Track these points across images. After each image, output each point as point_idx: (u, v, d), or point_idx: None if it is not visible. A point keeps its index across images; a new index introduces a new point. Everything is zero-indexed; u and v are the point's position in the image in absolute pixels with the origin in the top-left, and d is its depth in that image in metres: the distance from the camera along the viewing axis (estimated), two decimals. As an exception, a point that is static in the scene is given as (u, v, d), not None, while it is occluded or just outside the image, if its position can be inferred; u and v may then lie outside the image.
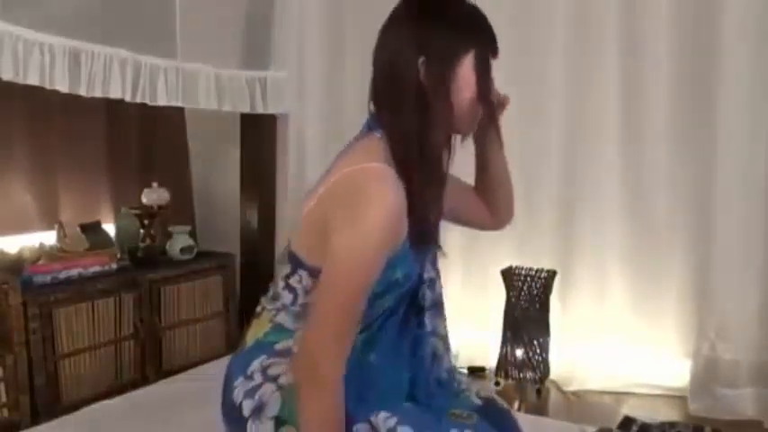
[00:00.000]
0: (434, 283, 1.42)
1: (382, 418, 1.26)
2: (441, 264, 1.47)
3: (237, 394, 1.32)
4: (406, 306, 1.37)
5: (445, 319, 1.46)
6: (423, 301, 1.39)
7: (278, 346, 1.35)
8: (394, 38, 1.27)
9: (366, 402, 1.29)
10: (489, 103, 1.29)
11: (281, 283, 1.38)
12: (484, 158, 1.49)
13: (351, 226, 1.17)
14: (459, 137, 1.33)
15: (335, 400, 1.19)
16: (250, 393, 1.30)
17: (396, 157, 1.23)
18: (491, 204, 1.55)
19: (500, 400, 1.50)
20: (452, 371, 1.48)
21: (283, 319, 1.37)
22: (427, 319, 1.40)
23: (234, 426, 1.33)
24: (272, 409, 1.27)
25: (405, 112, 1.24)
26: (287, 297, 1.36)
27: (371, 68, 1.33)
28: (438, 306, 1.43)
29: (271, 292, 1.42)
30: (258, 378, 1.31)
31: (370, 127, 1.31)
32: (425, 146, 1.24)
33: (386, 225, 1.16)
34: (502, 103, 1.43)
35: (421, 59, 1.22)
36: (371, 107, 1.32)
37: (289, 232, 1.39)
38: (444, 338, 1.45)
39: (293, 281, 1.35)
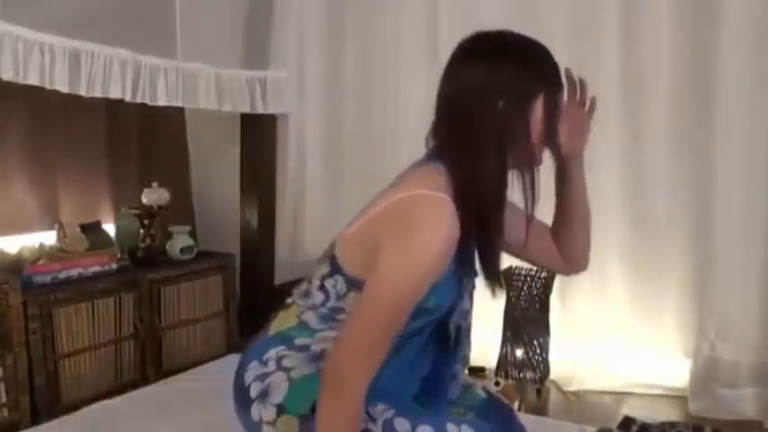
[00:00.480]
0: (467, 314, 1.43)
1: (380, 410, 1.30)
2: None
3: (249, 376, 1.35)
4: (432, 331, 1.38)
5: (470, 344, 1.48)
6: (453, 331, 1.39)
7: (297, 342, 1.37)
8: (470, 76, 1.26)
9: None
10: (557, 145, 1.32)
11: (316, 282, 1.38)
12: (565, 196, 1.49)
13: (402, 248, 1.18)
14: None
15: (354, 413, 1.22)
16: (261, 378, 1.34)
17: (463, 192, 1.24)
18: (564, 250, 1.54)
19: (503, 398, 1.53)
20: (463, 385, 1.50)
21: (310, 317, 1.38)
22: (458, 350, 1.42)
23: (241, 406, 1.36)
24: (278, 396, 1.30)
25: (481, 152, 1.25)
26: (318, 297, 1.37)
27: (436, 101, 1.33)
28: (466, 337, 1.45)
29: (304, 288, 1.43)
30: (272, 366, 1.34)
31: (429, 158, 1.32)
32: (499, 186, 1.27)
33: (436, 254, 1.18)
34: (591, 107, 1.45)
35: (501, 103, 1.23)
36: (431, 140, 1.33)
37: (337, 234, 1.38)
38: (466, 362, 1.48)
39: (328, 283, 1.35)
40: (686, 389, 2.91)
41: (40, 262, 2.62)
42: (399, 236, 1.19)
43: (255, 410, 1.32)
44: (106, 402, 2.11)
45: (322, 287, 1.37)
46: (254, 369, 1.36)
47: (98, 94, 2.57)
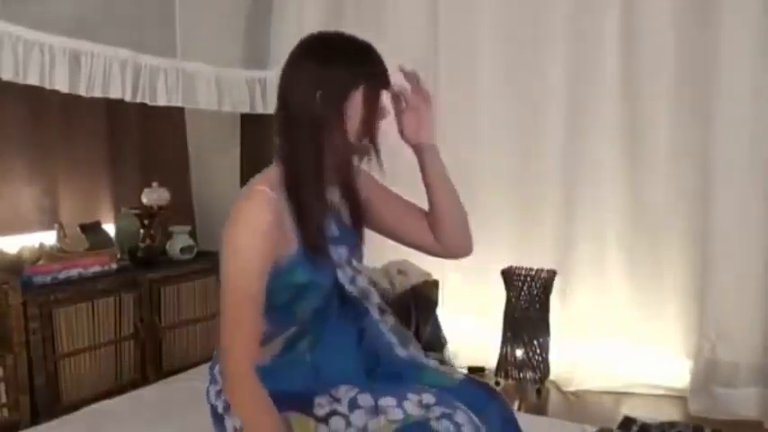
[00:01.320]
0: (355, 279, 1.50)
1: (343, 390, 1.40)
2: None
3: (211, 396, 1.51)
4: (340, 305, 1.49)
5: (377, 306, 1.55)
6: (355, 297, 1.50)
7: None
8: (293, 76, 1.40)
9: (324, 381, 1.43)
10: (373, 134, 1.40)
11: None
12: (425, 184, 1.55)
13: (225, 238, 1.34)
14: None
15: (251, 389, 1.32)
16: (219, 394, 1.47)
17: (285, 181, 1.38)
18: (436, 235, 1.57)
19: (485, 381, 1.57)
20: (410, 343, 1.58)
21: None
22: (371, 309, 1.53)
23: (216, 421, 1.50)
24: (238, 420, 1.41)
25: (297, 140, 1.38)
26: None
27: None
28: (367, 296, 1.53)
29: None
30: (222, 381, 1.43)
31: (275, 158, 1.45)
32: (313, 170, 1.38)
33: (249, 241, 1.32)
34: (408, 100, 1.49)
35: (318, 93, 1.35)
36: (275, 140, 1.44)
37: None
38: (394, 323, 1.57)
39: None
40: (686, 389, 2.91)
41: (40, 262, 2.62)
42: (227, 224, 1.35)
43: (228, 423, 1.45)
44: (106, 402, 2.12)
45: None
46: (212, 388, 1.50)
47: (98, 94, 2.57)
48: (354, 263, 1.51)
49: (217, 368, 1.49)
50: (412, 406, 1.36)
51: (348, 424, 1.36)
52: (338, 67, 1.36)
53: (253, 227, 1.33)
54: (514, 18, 3.24)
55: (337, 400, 1.39)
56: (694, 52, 2.87)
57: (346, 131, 1.37)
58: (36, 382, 2.41)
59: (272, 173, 1.41)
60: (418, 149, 1.52)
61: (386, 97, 1.43)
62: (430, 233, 1.56)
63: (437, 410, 1.35)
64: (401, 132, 1.51)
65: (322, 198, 1.41)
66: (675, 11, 2.90)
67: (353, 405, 1.38)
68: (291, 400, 1.39)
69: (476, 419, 1.36)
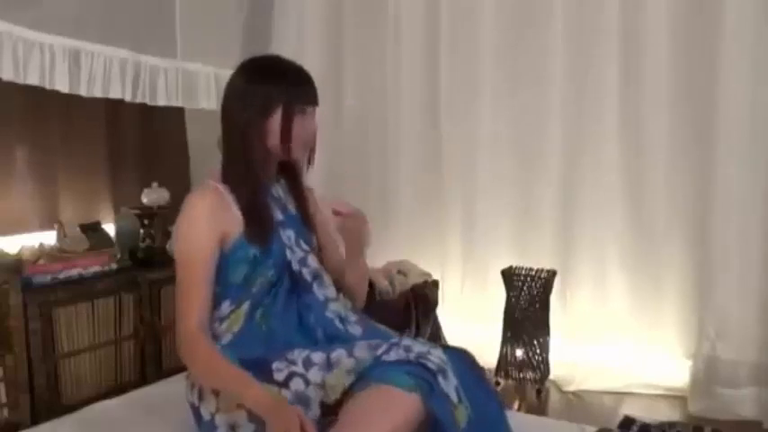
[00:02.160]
0: (305, 259, 1.68)
1: (297, 353, 1.51)
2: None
3: (188, 395, 1.65)
4: (291, 284, 1.65)
5: (332, 286, 1.71)
6: (303, 275, 1.66)
7: None
8: (231, 89, 1.66)
9: (278, 347, 1.55)
10: (289, 147, 1.62)
11: None
12: (346, 263, 1.78)
13: (175, 227, 1.66)
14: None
15: (204, 352, 1.52)
16: (192, 389, 1.62)
17: (223, 177, 1.64)
18: (345, 283, 1.79)
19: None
20: (370, 324, 1.69)
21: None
22: (318, 290, 1.67)
23: (197, 419, 1.62)
24: (211, 404, 1.56)
25: (231, 147, 1.65)
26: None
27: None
28: (319, 277, 1.69)
29: None
30: (178, 350, 1.61)
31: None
32: (241, 172, 1.63)
33: (189, 220, 1.61)
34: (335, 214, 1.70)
35: (240, 107, 1.62)
36: (218, 145, 1.71)
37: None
38: (340, 302, 1.70)
39: None
40: (686, 389, 2.91)
41: (40, 262, 2.62)
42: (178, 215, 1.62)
43: (204, 411, 1.57)
44: (106, 402, 2.11)
45: None
46: (190, 393, 1.64)
47: (98, 94, 2.57)
48: (303, 244, 1.68)
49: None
50: (361, 351, 1.45)
51: (306, 382, 1.46)
52: (261, 85, 1.61)
53: (194, 211, 1.60)
54: (516, 19, 3.25)
55: (293, 362, 1.49)
56: (695, 55, 2.88)
57: (266, 142, 1.61)
58: (36, 382, 2.41)
59: (216, 171, 1.68)
60: (353, 257, 1.75)
61: (311, 116, 1.65)
62: (339, 273, 1.77)
63: (385, 346, 1.43)
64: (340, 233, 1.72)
65: (256, 191, 1.63)
66: (675, 16, 2.90)
67: (308, 363, 1.48)
68: (252, 369, 1.47)
69: (429, 345, 1.44)
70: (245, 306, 1.61)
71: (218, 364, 1.49)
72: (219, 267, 1.61)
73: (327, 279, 1.71)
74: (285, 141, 1.61)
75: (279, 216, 1.68)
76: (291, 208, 1.74)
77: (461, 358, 1.50)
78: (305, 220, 1.75)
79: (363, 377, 1.39)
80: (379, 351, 1.42)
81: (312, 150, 1.72)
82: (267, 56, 1.76)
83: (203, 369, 1.53)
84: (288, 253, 1.64)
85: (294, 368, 1.48)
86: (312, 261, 1.69)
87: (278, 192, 1.74)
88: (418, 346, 1.42)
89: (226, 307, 1.63)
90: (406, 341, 1.45)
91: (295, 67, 1.67)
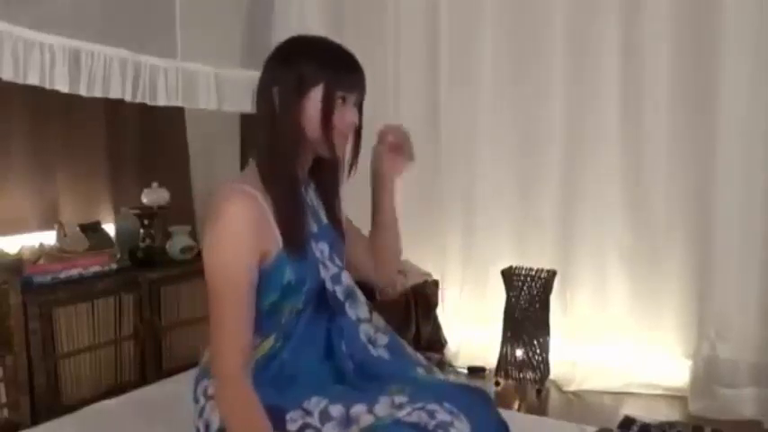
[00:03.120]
0: (339, 276, 1.50)
1: (314, 402, 1.37)
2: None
3: (195, 418, 1.50)
4: (319, 303, 1.47)
5: (365, 304, 1.53)
6: (336, 295, 1.48)
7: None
8: (264, 71, 1.43)
9: (295, 393, 1.40)
10: (329, 132, 1.40)
11: None
12: (378, 204, 1.61)
13: (207, 236, 1.36)
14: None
15: (244, 395, 1.32)
16: (200, 413, 1.48)
17: (261, 178, 1.40)
18: (378, 259, 1.64)
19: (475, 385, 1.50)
20: (399, 347, 1.54)
21: None
22: (350, 310, 1.49)
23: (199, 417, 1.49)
24: (215, 424, 1.43)
25: (262, 136, 1.42)
26: None
27: None
28: (353, 296, 1.52)
29: None
30: (202, 400, 1.48)
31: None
32: (278, 164, 1.40)
33: (230, 237, 1.33)
34: (380, 138, 1.55)
35: (275, 90, 1.38)
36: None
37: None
38: (372, 322, 1.53)
39: None
40: (686, 389, 2.91)
41: (40, 262, 2.62)
42: (206, 225, 1.37)
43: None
44: (106, 402, 2.11)
45: None
46: (194, 409, 1.50)
47: (98, 94, 2.57)
48: (337, 260, 1.51)
49: (199, 388, 1.50)
50: (382, 408, 1.34)
51: None
52: (296, 65, 1.38)
53: (231, 223, 1.33)
54: (516, 23, 3.24)
55: (309, 413, 1.37)
56: (695, 55, 2.88)
57: (303, 128, 1.39)
58: (36, 382, 2.41)
59: (249, 170, 1.44)
60: (386, 182, 1.58)
61: (353, 107, 1.43)
62: (372, 261, 1.63)
63: (408, 407, 1.32)
64: (375, 164, 1.56)
65: (294, 193, 1.42)
66: (676, 16, 2.91)
67: (325, 417, 1.35)
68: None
69: (452, 407, 1.31)
70: (271, 339, 1.44)
71: (253, 415, 1.32)
72: None
73: (361, 297, 1.53)
74: (326, 127, 1.38)
75: (313, 227, 1.47)
76: (323, 217, 1.53)
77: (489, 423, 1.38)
78: (338, 230, 1.54)
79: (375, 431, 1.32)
80: (401, 413, 1.31)
81: (356, 151, 1.50)
82: (310, 35, 1.49)
83: (238, 416, 1.33)
84: (321, 270, 1.45)
85: (309, 420, 1.36)
86: (346, 278, 1.51)
87: (310, 197, 1.51)
88: (443, 414, 1.29)
89: (254, 339, 1.42)
90: (432, 405, 1.31)
91: (343, 48, 1.44)
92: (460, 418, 1.30)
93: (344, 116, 1.41)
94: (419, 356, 1.56)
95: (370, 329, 1.51)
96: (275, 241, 1.37)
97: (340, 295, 1.48)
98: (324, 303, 1.47)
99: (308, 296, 1.44)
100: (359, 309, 1.51)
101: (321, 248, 1.47)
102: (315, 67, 1.38)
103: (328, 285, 1.46)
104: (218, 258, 1.34)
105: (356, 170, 1.52)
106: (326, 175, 1.53)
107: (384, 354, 1.49)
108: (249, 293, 1.34)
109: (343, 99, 1.41)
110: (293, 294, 1.41)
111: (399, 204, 1.62)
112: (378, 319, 1.55)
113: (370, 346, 1.48)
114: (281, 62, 1.40)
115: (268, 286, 1.37)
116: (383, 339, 1.52)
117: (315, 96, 1.38)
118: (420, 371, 1.50)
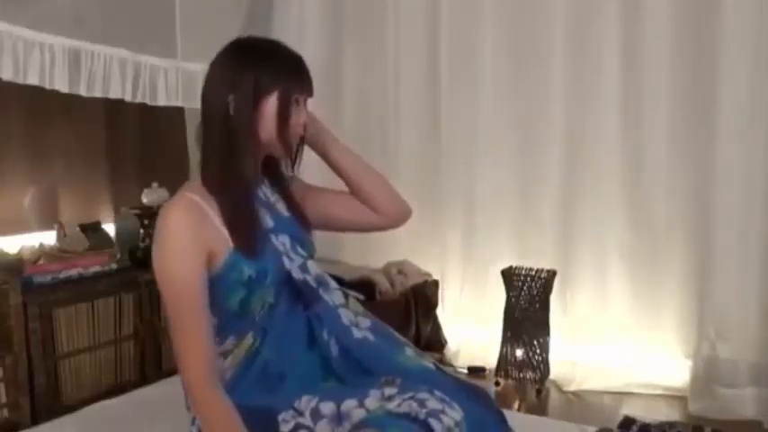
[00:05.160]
0: (305, 265, 1.50)
1: (305, 401, 1.37)
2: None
3: (188, 425, 1.49)
4: (291, 296, 1.48)
5: (338, 290, 1.54)
6: (308, 281, 1.49)
7: None
8: (213, 74, 1.46)
9: (285, 393, 1.40)
10: (285, 134, 1.43)
11: None
12: (330, 162, 1.60)
13: (153, 255, 1.38)
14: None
15: (214, 400, 1.34)
16: (192, 421, 1.47)
17: (204, 183, 1.41)
18: (368, 202, 1.60)
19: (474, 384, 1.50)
20: (383, 328, 1.53)
21: None
22: (325, 295, 1.50)
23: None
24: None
25: (213, 141, 1.42)
26: None
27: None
28: (324, 283, 1.52)
29: None
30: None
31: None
32: (229, 167, 1.41)
33: (173, 246, 1.35)
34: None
35: (231, 97, 1.39)
36: (196, 141, 1.49)
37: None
38: (350, 308, 1.53)
39: None
40: (686, 389, 2.91)
41: (40, 262, 2.62)
42: (154, 238, 1.39)
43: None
44: (106, 402, 2.11)
45: None
46: (188, 416, 1.50)
47: (98, 94, 2.57)
48: (300, 250, 1.51)
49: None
50: (373, 402, 1.34)
51: None
52: (250, 71, 1.40)
53: (174, 235, 1.35)
54: (516, 23, 3.24)
55: (300, 413, 1.37)
56: (696, 52, 2.88)
57: (258, 133, 1.41)
58: (36, 382, 2.41)
59: (196, 178, 1.46)
60: (316, 139, 1.58)
61: (302, 107, 1.46)
62: (365, 207, 1.60)
63: (398, 399, 1.32)
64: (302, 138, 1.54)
65: (241, 193, 1.43)
66: (676, 17, 2.91)
67: (316, 415, 1.36)
68: (256, 419, 1.36)
69: (443, 395, 1.31)
70: (249, 338, 1.45)
71: (226, 418, 1.34)
72: (212, 295, 1.39)
73: (332, 283, 1.55)
74: (282, 132, 1.42)
75: (269, 222, 1.48)
76: (282, 209, 1.54)
77: (483, 413, 1.37)
78: (299, 220, 1.56)
79: (365, 424, 1.31)
80: (391, 405, 1.31)
81: (300, 147, 1.55)
82: (257, 37, 1.51)
83: (210, 421, 1.34)
84: (286, 261, 1.46)
85: (301, 420, 1.36)
86: (313, 266, 1.52)
87: (265, 194, 1.52)
88: (434, 402, 1.29)
89: (229, 341, 1.45)
90: (423, 394, 1.31)
91: (292, 52, 1.47)
92: (452, 405, 1.30)
93: (299, 118, 1.46)
94: (400, 338, 1.55)
95: (349, 314, 1.51)
96: (223, 241, 1.38)
97: (312, 282, 1.49)
98: (297, 294, 1.48)
99: (278, 289, 1.45)
100: (333, 295, 1.52)
101: (282, 241, 1.48)
102: (270, 73, 1.41)
103: (296, 275, 1.47)
104: (166, 270, 1.36)
105: (300, 163, 1.56)
106: (277, 171, 1.56)
107: (369, 335, 1.49)
108: (203, 296, 1.36)
109: (297, 101, 1.45)
110: (259, 288, 1.41)
111: (341, 141, 1.62)
112: (355, 305, 1.55)
113: (353, 329, 1.48)
114: (232, 67, 1.42)
115: (229, 285, 1.39)
116: (365, 322, 1.52)
117: (271, 101, 1.41)
118: (409, 351, 1.49)
